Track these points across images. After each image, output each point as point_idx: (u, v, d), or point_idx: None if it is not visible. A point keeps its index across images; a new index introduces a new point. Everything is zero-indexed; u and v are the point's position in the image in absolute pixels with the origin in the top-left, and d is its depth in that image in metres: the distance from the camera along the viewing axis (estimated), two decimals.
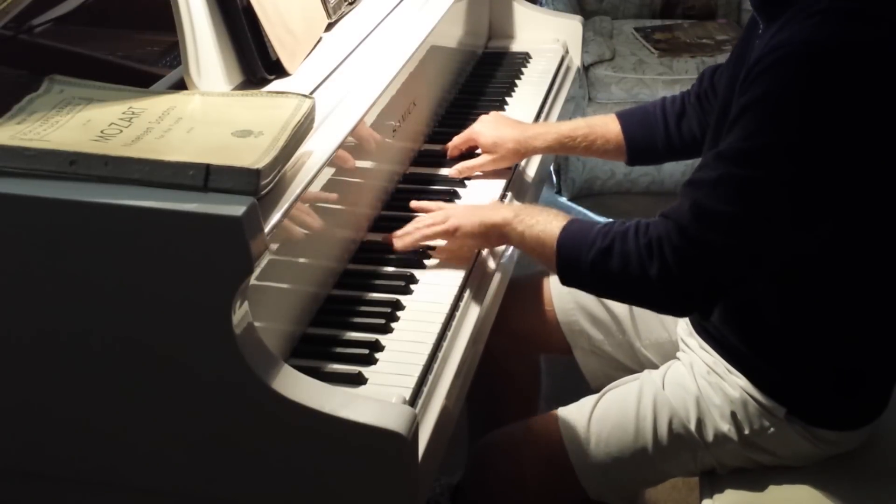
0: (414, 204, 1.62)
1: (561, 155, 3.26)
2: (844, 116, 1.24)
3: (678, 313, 1.49)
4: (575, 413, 1.55)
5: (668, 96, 1.78)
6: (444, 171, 1.76)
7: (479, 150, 1.79)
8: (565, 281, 1.44)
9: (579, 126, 1.77)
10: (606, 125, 1.76)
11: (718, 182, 1.28)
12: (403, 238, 1.52)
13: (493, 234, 1.49)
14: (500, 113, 1.89)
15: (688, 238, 1.29)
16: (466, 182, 1.74)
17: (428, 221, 1.53)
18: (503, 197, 1.70)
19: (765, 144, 1.25)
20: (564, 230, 1.40)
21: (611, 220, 1.39)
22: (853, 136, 1.25)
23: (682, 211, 1.30)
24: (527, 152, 1.78)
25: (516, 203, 1.54)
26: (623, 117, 1.77)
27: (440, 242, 1.53)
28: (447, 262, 1.51)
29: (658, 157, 1.79)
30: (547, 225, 1.42)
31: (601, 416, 1.53)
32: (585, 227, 1.39)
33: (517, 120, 1.86)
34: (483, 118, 1.81)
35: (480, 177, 1.75)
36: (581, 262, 1.37)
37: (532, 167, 1.85)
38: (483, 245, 1.55)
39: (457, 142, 1.80)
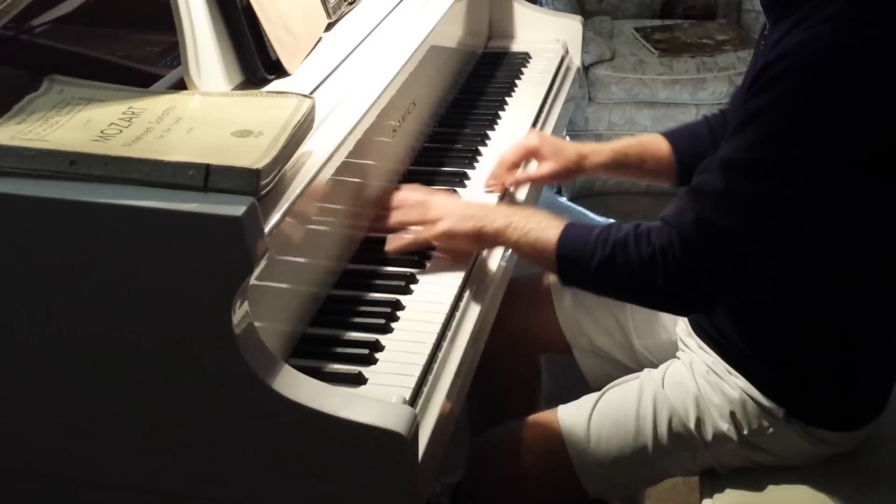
0: (397, 199, 1.58)
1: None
2: (854, 129, 1.24)
3: (680, 314, 1.51)
4: (575, 411, 1.56)
5: (709, 114, 1.74)
6: (445, 170, 1.76)
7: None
8: (566, 284, 1.45)
9: (632, 144, 1.74)
10: (656, 144, 1.72)
11: (724, 195, 1.28)
12: (395, 242, 1.52)
13: (488, 240, 1.50)
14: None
15: (691, 251, 1.30)
16: (467, 182, 1.74)
17: (416, 218, 1.51)
18: (503, 197, 1.70)
19: (772, 158, 1.25)
20: (562, 239, 1.40)
21: (606, 221, 1.39)
22: (862, 149, 1.25)
23: (685, 222, 1.30)
24: (585, 167, 1.72)
25: (506, 207, 1.52)
26: (671, 136, 1.73)
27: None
28: (447, 262, 1.51)
29: None
30: (542, 233, 1.42)
31: (601, 415, 1.53)
32: (582, 235, 1.39)
33: None
34: (529, 134, 1.77)
35: (482, 176, 1.75)
36: (583, 270, 1.38)
37: (532, 165, 1.85)
38: (477, 249, 1.55)
39: (510, 158, 1.72)
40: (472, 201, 1.61)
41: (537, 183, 1.76)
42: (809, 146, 1.24)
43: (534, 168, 1.75)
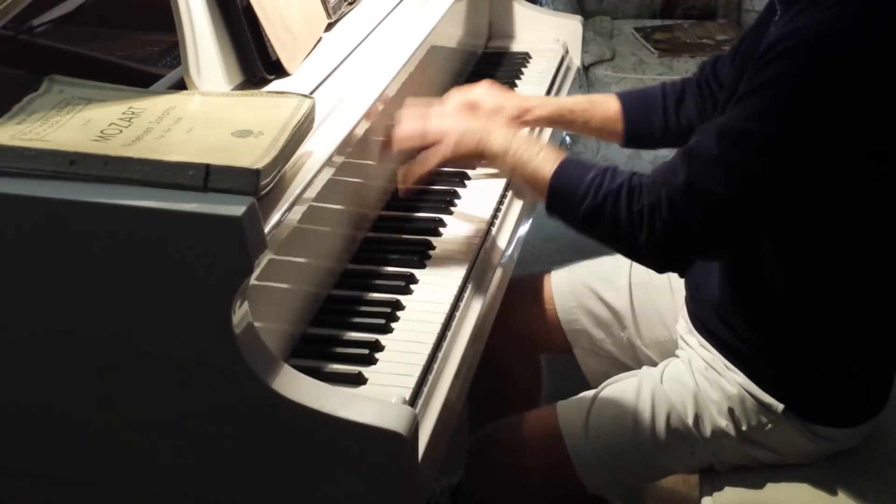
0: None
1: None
2: (852, 111, 1.24)
3: (656, 269, 1.48)
4: (573, 407, 1.56)
5: (668, 82, 1.78)
6: (445, 170, 1.76)
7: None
8: (551, 216, 1.46)
9: (580, 101, 1.78)
10: (606, 103, 1.76)
11: (716, 161, 1.29)
12: (405, 181, 1.54)
13: (486, 158, 1.51)
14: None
15: (678, 214, 1.31)
16: (467, 182, 1.74)
17: (416, 132, 1.53)
18: (503, 197, 1.70)
19: (768, 131, 1.26)
20: (557, 174, 1.42)
21: (602, 166, 1.40)
22: (859, 131, 1.26)
23: (675, 184, 1.31)
24: (527, 120, 1.75)
25: (505, 129, 1.53)
26: (623, 98, 1.77)
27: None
28: (447, 262, 1.51)
29: (654, 141, 1.78)
30: (539, 163, 1.44)
31: (599, 410, 1.54)
32: (577, 175, 1.40)
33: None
34: (482, 84, 1.76)
35: (481, 175, 1.75)
36: (571, 210, 1.40)
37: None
38: (468, 158, 1.55)
39: (456, 101, 1.72)
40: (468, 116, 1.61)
41: None
42: (809, 125, 1.24)
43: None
